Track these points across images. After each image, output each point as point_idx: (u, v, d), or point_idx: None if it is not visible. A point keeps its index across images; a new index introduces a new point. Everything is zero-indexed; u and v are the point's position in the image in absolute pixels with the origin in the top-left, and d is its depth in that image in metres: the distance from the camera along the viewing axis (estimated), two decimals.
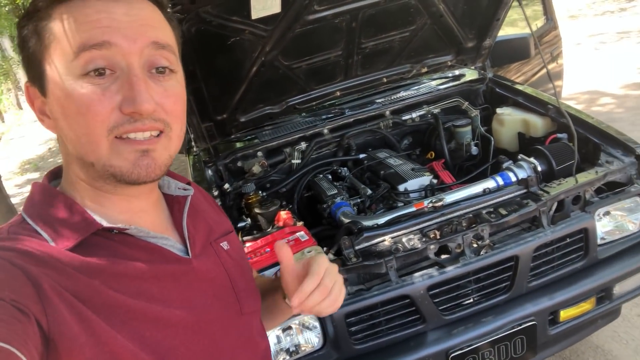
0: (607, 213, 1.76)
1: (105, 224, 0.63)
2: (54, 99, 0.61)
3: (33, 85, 0.64)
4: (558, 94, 3.62)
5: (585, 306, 1.72)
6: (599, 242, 1.74)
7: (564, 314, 1.69)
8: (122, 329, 0.58)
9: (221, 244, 0.78)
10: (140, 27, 0.61)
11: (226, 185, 2.14)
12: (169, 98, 0.63)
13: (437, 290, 1.58)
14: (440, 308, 1.60)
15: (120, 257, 0.63)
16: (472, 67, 2.49)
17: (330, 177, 2.25)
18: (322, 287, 0.72)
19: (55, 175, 0.72)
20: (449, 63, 2.41)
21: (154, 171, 0.62)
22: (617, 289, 1.74)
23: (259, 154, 2.26)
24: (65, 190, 0.68)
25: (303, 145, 2.31)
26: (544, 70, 3.49)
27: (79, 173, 0.65)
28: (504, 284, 1.64)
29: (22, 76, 13.74)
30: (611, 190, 1.77)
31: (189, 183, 0.80)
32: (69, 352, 0.53)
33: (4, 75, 11.36)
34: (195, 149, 2.33)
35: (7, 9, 8.34)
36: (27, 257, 0.56)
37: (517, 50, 2.68)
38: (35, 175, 8.09)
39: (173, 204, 0.76)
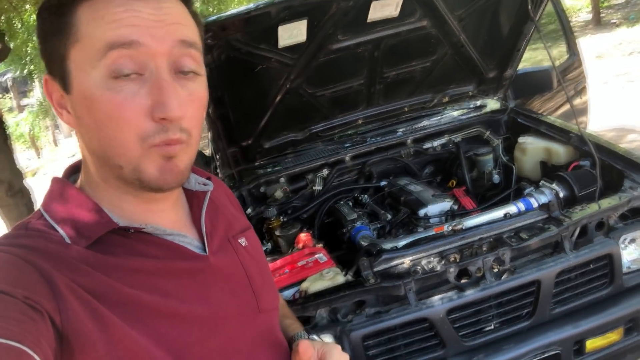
0: (633, 240, 1.73)
1: (121, 223, 0.63)
2: (80, 99, 0.60)
3: (53, 79, 0.63)
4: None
5: (613, 337, 1.66)
6: (625, 270, 1.70)
7: (590, 345, 1.64)
8: (137, 325, 0.58)
9: (239, 240, 0.78)
10: (169, 25, 0.60)
11: (249, 210, 2.18)
12: (193, 103, 0.63)
13: (457, 314, 1.56)
14: (461, 333, 1.57)
15: (136, 254, 0.63)
16: (494, 98, 2.52)
17: (351, 203, 2.27)
18: None
19: (75, 169, 0.72)
20: (471, 93, 2.45)
21: (176, 177, 0.63)
22: None
23: (282, 180, 2.31)
24: (83, 186, 0.68)
25: (325, 172, 2.35)
26: (568, 106, 3.51)
27: (99, 171, 0.65)
28: (525, 310, 1.61)
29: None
30: (636, 217, 1.74)
31: (209, 177, 0.80)
32: (83, 349, 0.54)
33: (43, 113, 11.91)
34: (220, 175, 2.40)
35: None
36: (41, 254, 0.56)
37: (539, 82, 2.70)
38: None
39: (192, 199, 0.76)
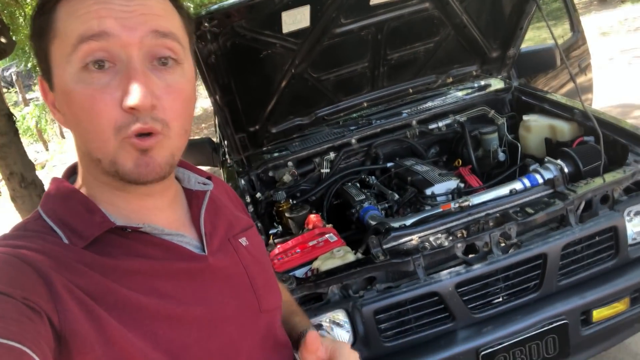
0: (638, 213, 1.75)
1: (118, 222, 0.62)
2: (60, 95, 0.61)
3: (45, 80, 0.63)
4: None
5: (619, 307, 1.70)
6: (631, 242, 1.73)
7: (597, 314, 1.67)
8: (134, 327, 0.58)
9: (240, 240, 0.77)
10: (140, 16, 0.59)
11: (258, 194, 2.22)
12: (169, 94, 0.61)
13: (465, 288, 1.60)
14: (470, 306, 1.61)
15: (134, 254, 0.62)
16: (498, 77, 2.54)
17: (358, 185, 2.31)
18: None
19: (74, 169, 0.71)
20: (474, 73, 2.46)
21: (154, 170, 0.61)
22: None
23: (290, 163, 2.35)
24: (81, 186, 0.67)
25: (332, 155, 2.38)
26: (572, 84, 3.51)
27: (89, 169, 0.65)
28: (533, 283, 1.65)
29: None
30: None
31: (209, 177, 0.79)
32: (80, 350, 0.53)
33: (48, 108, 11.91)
34: (229, 161, 2.44)
35: None
36: (39, 255, 0.56)
37: (543, 61, 2.71)
38: None
39: (192, 198, 0.75)
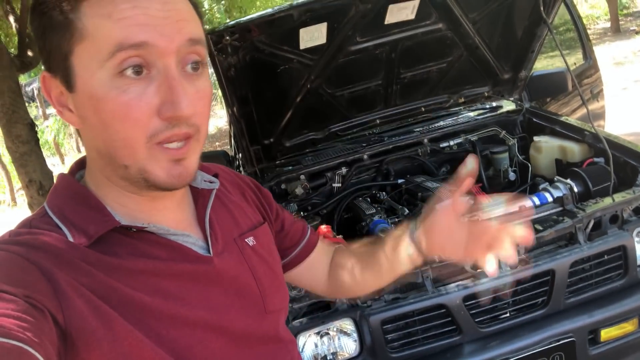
0: None
1: (124, 222, 0.62)
2: (85, 98, 0.58)
3: (54, 77, 0.60)
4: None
5: (628, 327, 1.69)
6: None
7: (605, 334, 1.67)
8: (138, 326, 0.58)
9: (246, 240, 0.76)
10: (176, 23, 0.58)
11: None
12: (201, 100, 0.61)
13: (473, 301, 1.61)
14: (477, 320, 1.62)
15: (139, 254, 0.62)
16: (509, 99, 2.58)
17: (369, 199, 2.34)
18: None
19: (81, 165, 0.70)
20: (486, 94, 2.51)
21: (185, 179, 0.62)
22: None
23: (302, 177, 2.39)
24: (87, 183, 0.67)
25: (344, 170, 2.42)
26: (584, 110, 3.54)
27: (104, 170, 0.64)
28: (540, 299, 1.66)
29: None
30: None
31: (216, 175, 0.78)
32: (87, 346, 0.53)
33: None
34: (242, 173, 2.49)
35: None
36: (43, 253, 0.56)
37: (554, 84, 2.74)
38: None
39: (198, 197, 0.74)
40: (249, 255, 0.75)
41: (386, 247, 0.87)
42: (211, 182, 0.75)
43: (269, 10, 1.79)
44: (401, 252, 0.84)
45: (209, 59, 0.73)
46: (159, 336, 0.59)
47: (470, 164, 0.73)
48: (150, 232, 0.64)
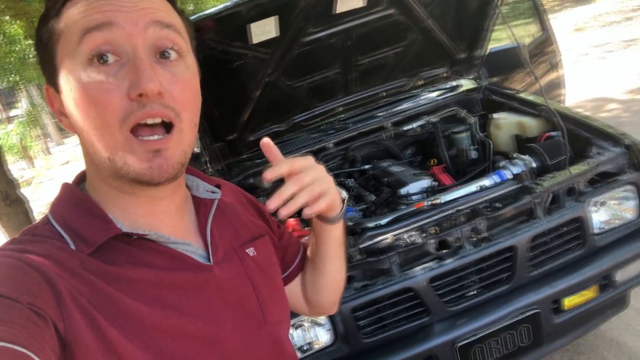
0: (603, 203, 1.83)
1: (124, 229, 0.62)
2: (65, 93, 0.60)
3: (51, 86, 0.63)
4: (561, 102, 3.71)
5: (588, 294, 1.76)
6: (598, 231, 1.80)
7: (568, 302, 1.74)
8: (136, 337, 0.57)
9: (247, 250, 0.76)
10: (143, 9, 0.59)
11: None
12: (177, 84, 0.60)
13: (439, 282, 1.66)
14: (444, 300, 1.67)
15: (139, 263, 0.62)
16: (468, 78, 2.61)
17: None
18: (298, 186, 0.68)
19: (85, 177, 0.71)
20: (445, 75, 2.53)
21: (166, 170, 0.60)
22: (619, 276, 1.78)
23: None
24: (88, 192, 0.67)
25: None
26: (547, 79, 3.61)
27: (98, 173, 0.64)
28: (504, 275, 1.71)
29: (49, 122, 14.38)
30: (605, 181, 1.84)
31: (218, 185, 0.78)
32: (84, 358, 0.54)
33: (32, 122, 11.90)
34: (210, 169, 2.48)
35: (34, 59, 8.82)
36: (46, 260, 0.56)
37: (511, 60, 2.79)
38: None
39: (200, 207, 0.74)
40: (249, 266, 0.74)
41: (310, 240, 0.88)
42: (213, 192, 0.76)
43: (216, 7, 1.77)
44: (315, 232, 0.85)
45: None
46: (158, 347, 0.59)
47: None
48: (150, 240, 0.64)
